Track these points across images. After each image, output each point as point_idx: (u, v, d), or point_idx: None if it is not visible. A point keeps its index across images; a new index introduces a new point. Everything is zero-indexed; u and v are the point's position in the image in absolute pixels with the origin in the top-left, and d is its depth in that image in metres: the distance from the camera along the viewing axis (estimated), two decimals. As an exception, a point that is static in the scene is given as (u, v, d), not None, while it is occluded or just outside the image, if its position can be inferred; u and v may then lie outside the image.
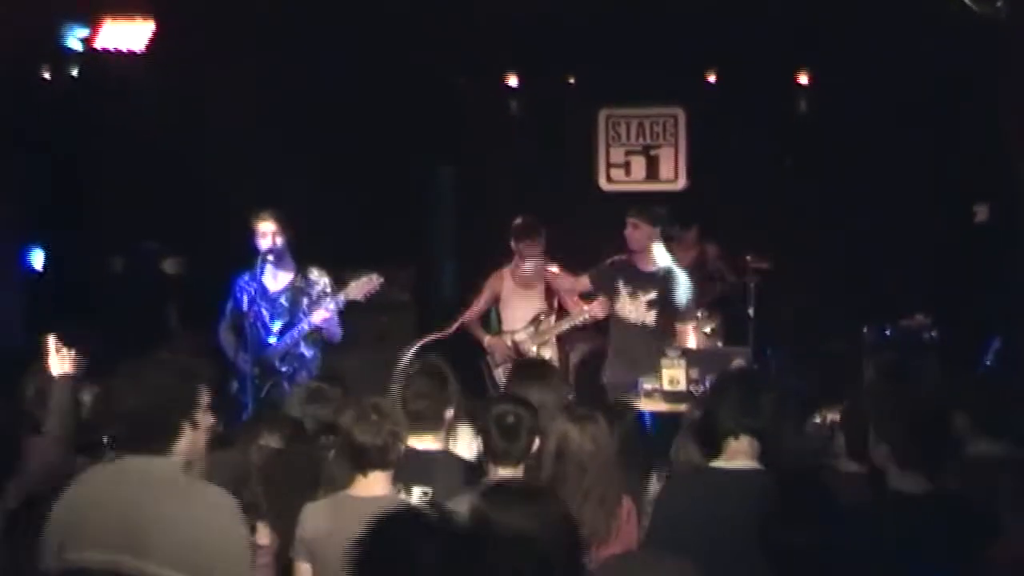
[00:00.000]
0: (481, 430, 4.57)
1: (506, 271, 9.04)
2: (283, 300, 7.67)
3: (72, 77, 9.77)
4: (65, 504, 3.69)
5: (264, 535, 4.41)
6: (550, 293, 8.99)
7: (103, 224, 10.35)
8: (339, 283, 7.81)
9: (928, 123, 10.29)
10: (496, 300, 9.08)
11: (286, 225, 7.64)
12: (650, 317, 8.49)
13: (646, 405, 8.23)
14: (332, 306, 7.58)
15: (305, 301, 7.66)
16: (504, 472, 4.47)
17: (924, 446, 4.17)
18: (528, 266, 8.89)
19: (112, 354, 9.17)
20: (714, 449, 4.63)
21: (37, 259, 10.32)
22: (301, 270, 7.74)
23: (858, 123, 10.60)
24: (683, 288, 8.45)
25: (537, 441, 4.54)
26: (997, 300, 9.33)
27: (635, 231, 8.46)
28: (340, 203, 10.51)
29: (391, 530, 2.96)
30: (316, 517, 4.44)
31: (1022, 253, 8.92)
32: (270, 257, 7.59)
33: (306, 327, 7.58)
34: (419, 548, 2.89)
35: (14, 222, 10.14)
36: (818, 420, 6.07)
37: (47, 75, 9.82)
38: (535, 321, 8.90)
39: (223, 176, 9.89)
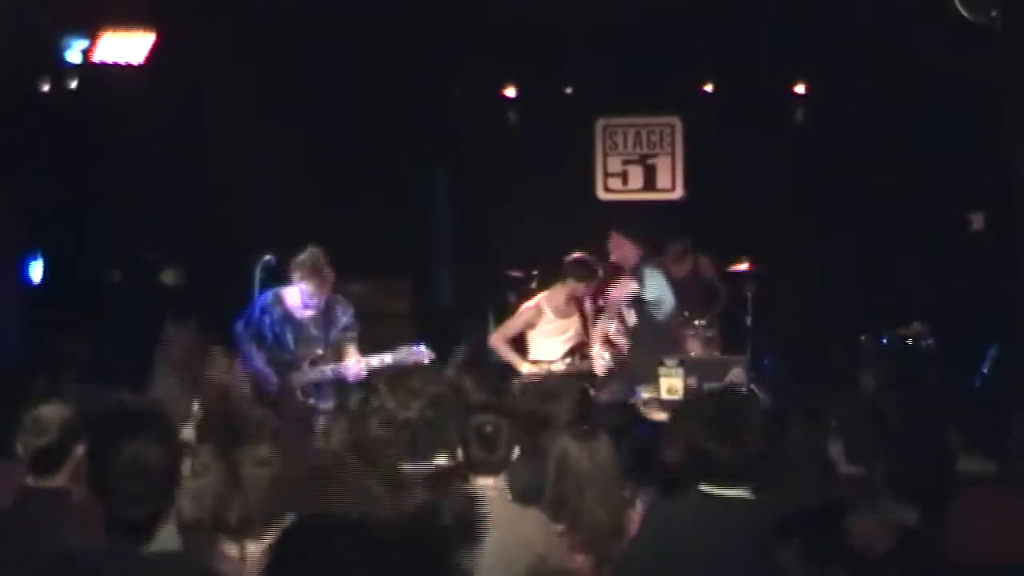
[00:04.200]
0: (461, 440, 4.54)
1: (543, 300, 8.87)
2: (312, 329, 7.64)
3: (71, 90, 9.79)
4: None
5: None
6: (583, 323, 8.94)
7: (102, 235, 10.38)
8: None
9: (923, 132, 10.32)
10: (529, 328, 8.97)
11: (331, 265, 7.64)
12: None
13: (644, 414, 8.27)
14: (375, 363, 7.55)
15: (332, 333, 7.66)
16: (484, 482, 4.45)
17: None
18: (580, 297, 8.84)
19: (109, 365, 9.23)
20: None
21: (35, 270, 10.35)
22: (330, 299, 7.71)
23: (854, 132, 10.64)
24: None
25: (517, 451, 4.52)
26: (994, 308, 9.35)
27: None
28: (339, 213, 10.53)
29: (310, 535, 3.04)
30: None
31: (1018, 261, 8.94)
32: (309, 297, 7.55)
33: (342, 372, 7.56)
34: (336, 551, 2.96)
35: (13, 233, 10.16)
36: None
37: (46, 88, 9.84)
38: (571, 355, 8.85)
39: (222, 187, 9.93)
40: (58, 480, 4.47)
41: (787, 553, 4.11)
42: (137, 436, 3.23)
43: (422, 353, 7.57)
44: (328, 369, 7.57)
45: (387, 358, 7.53)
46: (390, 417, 3.67)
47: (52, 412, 4.51)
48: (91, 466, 3.28)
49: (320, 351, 7.59)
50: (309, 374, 7.58)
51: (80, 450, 4.50)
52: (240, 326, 7.62)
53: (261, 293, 7.65)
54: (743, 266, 10.13)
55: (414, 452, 3.69)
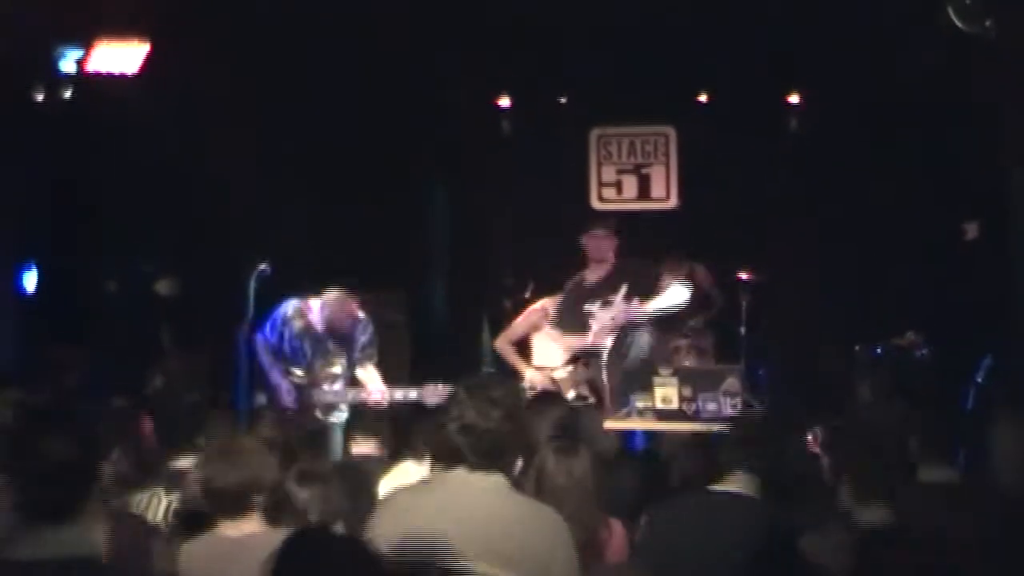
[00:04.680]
0: None
1: (548, 304, 8.81)
2: (330, 345, 7.64)
3: (65, 99, 9.77)
4: (397, 517, 3.72)
5: None
6: None
7: (97, 245, 10.37)
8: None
9: (918, 141, 10.34)
10: (534, 331, 8.92)
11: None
12: None
13: (638, 423, 8.27)
14: (400, 396, 7.55)
15: (352, 353, 7.67)
16: None
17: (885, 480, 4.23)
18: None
19: (105, 375, 9.22)
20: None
21: (30, 280, 10.33)
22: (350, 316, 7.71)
23: (848, 142, 10.65)
24: None
25: (520, 463, 4.53)
26: (988, 317, 9.36)
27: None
28: (335, 223, 10.53)
29: (301, 553, 3.06)
30: (192, 557, 4.32)
31: (1012, 270, 8.95)
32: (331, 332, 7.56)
33: (363, 399, 7.56)
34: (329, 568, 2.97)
35: (7, 243, 10.15)
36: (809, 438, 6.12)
37: (40, 97, 9.82)
38: (574, 360, 8.81)
39: (217, 197, 9.92)
40: None
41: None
42: (46, 433, 3.30)
43: (441, 391, 7.56)
44: (349, 394, 7.59)
45: (412, 394, 7.53)
46: (470, 426, 3.72)
47: None
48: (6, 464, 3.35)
49: (338, 368, 7.61)
50: (329, 395, 7.59)
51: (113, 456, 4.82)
52: (259, 338, 7.63)
53: (280, 302, 7.67)
54: (747, 274, 10.11)
55: (490, 462, 3.72)
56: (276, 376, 7.53)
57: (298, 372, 7.58)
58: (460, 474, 3.73)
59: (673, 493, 5.22)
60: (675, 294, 8.41)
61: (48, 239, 10.27)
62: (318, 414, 7.57)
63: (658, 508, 4.68)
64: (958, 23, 7.84)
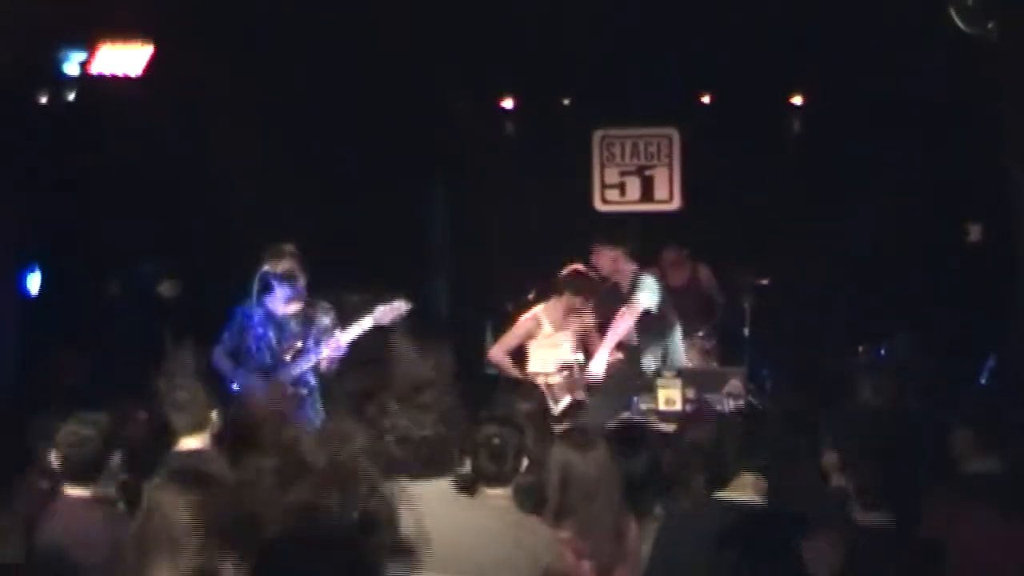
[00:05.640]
0: (471, 452, 4.54)
1: (540, 312, 8.84)
2: (293, 326, 7.57)
3: (69, 102, 9.79)
4: None
5: None
6: (583, 334, 8.92)
7: (100, 247, 10.38)
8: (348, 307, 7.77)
9: (920, 143, 10.34)
10: (528, 339, 8.93)
11: (304, 257, 7.52)
12: None
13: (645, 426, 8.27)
14: (357, 331, 7.48)
15: (314, 331, 7.58)
16: (493, 493, 4.44)
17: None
18: (573, 320, 8.81)
19: (108, 377, 9.22)
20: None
21: (33, 282, 10.35)
22: (311, 299, 7.61)
23: (851, 143, 10.65)
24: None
25: (526, 461, 4.52)
26: (991, 319, 9.36)
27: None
28: (336, 223, 10.54)
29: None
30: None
31: (1015, 271, 8.95)
32: (288, 286, 7.44)
33: (325, 352, 7.47)
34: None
35: (11, 246, 10.16)
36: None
37: (44, 99, 9.84)
38: (568, 367, 8.76)
39: (220, 199, 9.94)
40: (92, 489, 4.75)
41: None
42: None
43: (399, 307, 7.48)
44: (312, 355, 7.50)
45: (366, 322, 7.44)
46: (405, 436, 3.68)
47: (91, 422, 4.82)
48: None
49: (299, 344, 7.54)
50: (294, 367, 7.52)
51: (116, 459, 4.86)
52: (217, 350, 7.58)
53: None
54: (750, 276, 10.12)
55: (430, 469, 3.70)
56: (243, 378, 7.48)
57: (267, 359, 7.50)
58: (411, 485, 3.70)
59: (679, 500, 5.21)
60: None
61: (51, 240, 10.29)
62: (288, 390, 7.49)
63: (667, 517, 4.70)
64: (959, 24, 7.84)
